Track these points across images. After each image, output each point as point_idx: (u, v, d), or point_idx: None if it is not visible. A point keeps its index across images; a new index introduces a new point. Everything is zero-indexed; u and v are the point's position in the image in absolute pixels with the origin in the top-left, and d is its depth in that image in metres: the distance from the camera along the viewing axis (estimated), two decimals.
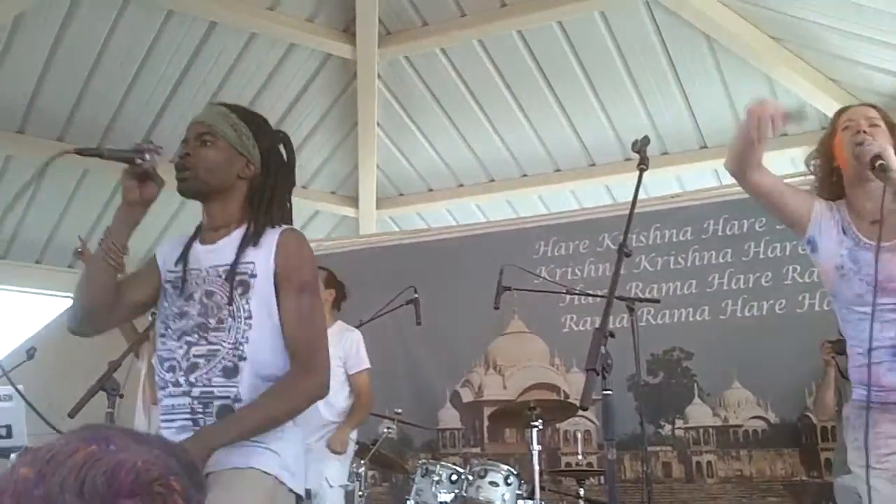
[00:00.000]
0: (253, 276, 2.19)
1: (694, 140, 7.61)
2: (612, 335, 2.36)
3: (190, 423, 2.12)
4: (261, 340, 2.16)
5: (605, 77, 7.22)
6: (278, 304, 2.19)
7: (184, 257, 2.28)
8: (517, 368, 6.38)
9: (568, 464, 5.97)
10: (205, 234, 2.32)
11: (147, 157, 2.20)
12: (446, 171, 8.51)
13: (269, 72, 7.40)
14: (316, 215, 8.64)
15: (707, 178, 7.66)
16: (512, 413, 5.10)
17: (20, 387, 4.61)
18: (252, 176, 2.31)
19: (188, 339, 2.18)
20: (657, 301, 5.67)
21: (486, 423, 6.30)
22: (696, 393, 5.84)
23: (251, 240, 2.23)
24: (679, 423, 5.85)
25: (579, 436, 5.82)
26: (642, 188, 7.89)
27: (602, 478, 5.59)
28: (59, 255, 8.48)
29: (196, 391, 2.13)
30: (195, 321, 2.18)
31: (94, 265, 2.24)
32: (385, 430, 5.23)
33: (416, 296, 5.37)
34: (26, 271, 8.49)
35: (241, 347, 2.14)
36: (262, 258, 2.21)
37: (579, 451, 5.69)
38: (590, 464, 5.82)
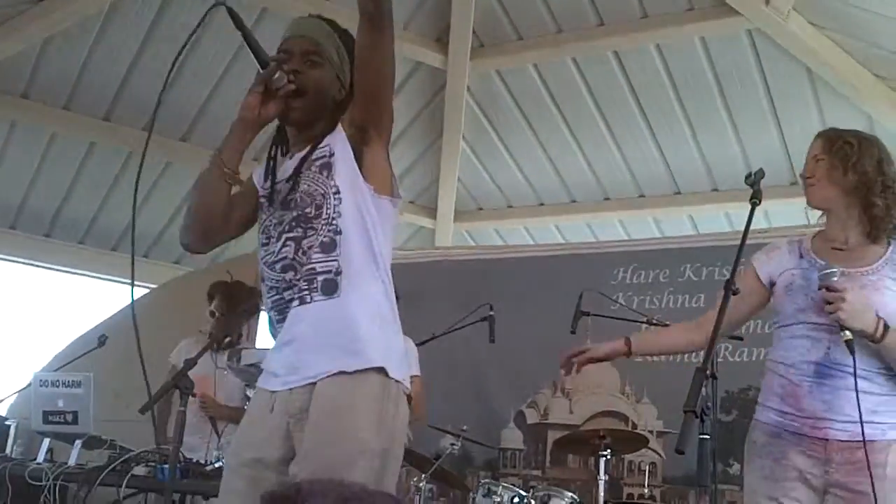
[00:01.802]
0: (331, 154, 2.21)
1: (785, 175, 7.35)
2: (714, 376, 2.22)
3: (297, 302, 2.15)
4: (351, 211, 2.17)
5: (699, 104, 7.05)
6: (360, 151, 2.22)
7: (272, 172, 2.31)
8: (585, 394, 6.23)
9: (630, 495, 5.80)
10: (293, 151, 2.33)
11: (278, 74, 2.18)
12: (528, 189, 8.41)
13: None
14: None
15: (796, 215, 7.37)
16: (579, 439, 5.01)
17: (90, 374, 4.63)
18: (341, 98, 2.31)
19: (290, 235, 2.19)
20: (740, 339, 5.46)
21: (549, 446, 6.16)
22: None
23: (324, 134, 2.25)
24: None
25: (645, 468, 5.66)
26: (727, 222, 7.66)
27: None
28: (135, 245, 8.55)
29: (303, 270, 2.15)
30: (293, 216, 2.20)
31: (207, 177, 2.24)
32: (450, 446, 5.15)
33: (492, 313, 5.29)
34: (101, 258, 8.59)
35: (334, 221, 2.16)
36: (336, 138, 2.23)
37: (645, 483, 5.53)
38: (653, 497, 5.64)
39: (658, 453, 5.79)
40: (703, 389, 2.16)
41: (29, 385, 4.81)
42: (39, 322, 9.23)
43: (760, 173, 2.67)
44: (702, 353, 2.35)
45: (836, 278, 2.54)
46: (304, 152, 2.25)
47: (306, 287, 2.13)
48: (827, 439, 2.52)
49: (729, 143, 7.24)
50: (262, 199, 2.30)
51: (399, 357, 2.19)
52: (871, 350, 2.56)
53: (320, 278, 2.12)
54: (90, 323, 7.48)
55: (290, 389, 2.12)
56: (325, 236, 2.14)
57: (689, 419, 2.10)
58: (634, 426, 5.92)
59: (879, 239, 2.70)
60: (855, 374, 2.46)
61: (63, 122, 7.43)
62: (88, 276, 8.74)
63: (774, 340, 2.77)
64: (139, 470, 3.95)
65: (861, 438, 2.45)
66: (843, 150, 2.71)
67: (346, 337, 2.10)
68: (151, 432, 4.89)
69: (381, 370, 2.10)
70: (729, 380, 5.55)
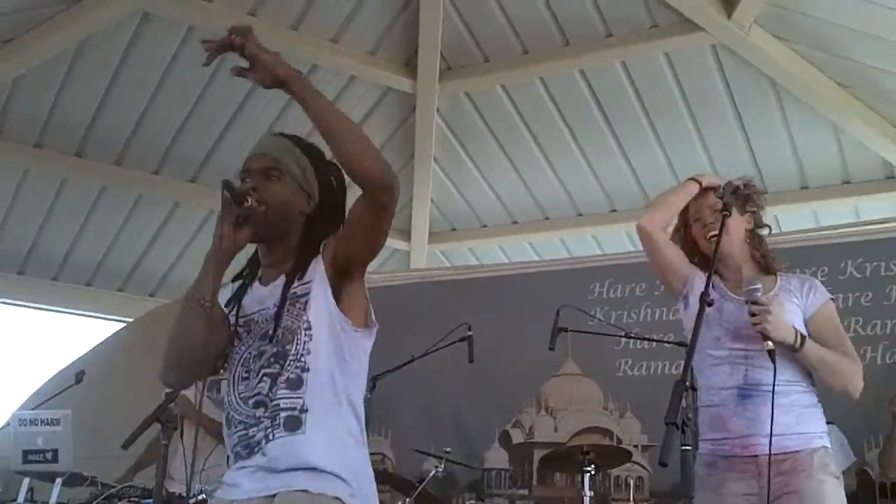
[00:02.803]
0: (308, 290, 2.19)
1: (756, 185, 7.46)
2: (693, 388, 2.26)
3: (263, 439, 2.13)
4: (321, 348, 2.16)
5: (666, 118, 7.14)
6: (338, 276, 2.20)
7: (237, 304, 2.26)
8: (569, 411, 6.22)
9: None
10: (265, 274, 2.29)
11: (250, 200, 2.16)
12: (501, 208, 8.47)
13: None
14: None
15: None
16: (564, 457, 5.00)
17: (67, 411, 4.60)
18: (310, 211, 2.29)
19: (269, 371, 2.16)
20: None
21: (535, 465, 6.14)
22: None
23: (302, 268, 2.22)
24: None
25: (631, 482, 5.67)
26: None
27: None
28: (109, 278, 8.52)
29: (269, 410, 2.13)
30: (273, 351, 2.17)
31: (184, 319, 2.17)
32: (434, 469, 5.14)
33: (470, 333, 5.29)
34: (77, 293, 8.54)
35: (303, 359, 2.14)
36: (316, 272, 2.20)
37: (631, 497, 5.55)
38: None
39: (644, 467, 5.80)
40: (683, 401, 2.20)
41: (7, 425, 4.78)
42: (15, 361, 9.15)
43: (731, 187, 2.75)
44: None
45: (759, 294, 2.68)
46: (281, 283, 2.22)
47: (269, 423, 2.12)
48: (756, 455, 2.61)
49: (697, 156, 7.33)
50: (240, 329, 2.26)
51: (366, 487, 2.18)
52: (790, 365, 2.71)
53: (283, 415, 2.11)
54: (66, 360, 7.44)
55: (249, 499, 2.11)
56: (292, 373, 2.13)
57: (671, 431, 2.14)
58: (619, 441, 5.91)
59: (771, 270, 2.90)
60: (774, 385, 2.57)
61: (35, 159, 7.41)
62: (64, 311, 8.69)
63: (696, 371, 2.87)
64: None
65: (787, 451, 2.60)
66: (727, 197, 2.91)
67: (308, 474, 2.10)
68: (132, 467, 4.88)
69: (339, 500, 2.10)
70: None
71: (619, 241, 8.24)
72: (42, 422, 4.57)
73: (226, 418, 2.22)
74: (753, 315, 2.64)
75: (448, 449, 5.34)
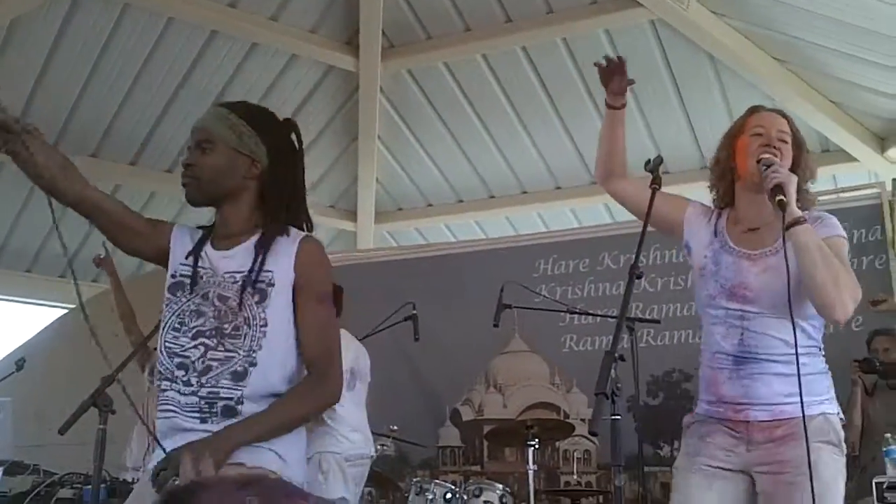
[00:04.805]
0: (271, 284, 2.18)
1: (695, 160, 7.55)
2: (622, 358, 2.26)
3: (198, 420, 2.11)
4: (273, 348, 2.15)
5: None
6: (295, 313, 2.19)
7: (195, 255, 2.24)
8: (518, 387, 6.31)
9: (566, 483, 5.89)
10: (218, 239, 2.27)
11: None
12: (446, 187, 8.47)
13: (270, 82, 7.33)
14: (313, 228, 8.48)
15: (708, 198, 7.58)
16: (510, 432, 5.10)
17: (7, 399, 4.53)
18: (260, 174, 2.25)
19: (205, 341, 2.15)
20: (657, 322, 5.59)
21: (485, 441, 6.21)
22: None
23: (266, 246, 2.20)
24: (678, 444, 5.73)
25: (578, 456, 5.76)
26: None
27: (599, 498, 5.67)
28: (50, 265, 8.37)
29: (204, 391, 2.12)
30: (211, 324, 2.16)
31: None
32: (380, 447, 5.14)
33: (415, 312, 5.32)
34: (16, 280, 8.39)
35: (253, 354, 2.13)
36: (282, 267, 2.19)
37: (575, 470, 5.66)
38: (588, 483, 5.76)
39: (591, 440, 5.89)
40: (613, 372, 2.20)
41: None
42: None
43: (659, 160, 2.68)
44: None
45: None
46: (234, 254, 2.22)
47: (207, 409, 2.10)
48: (748, 421, 2.52)
49: (639, 131, 7.36)
50: (182, 277, 2.23)
51: (299, 468, 2.19)
52: (790, 333, 2.49)
53: (221, 403, 2.10)
54: (6, 348, 7.31)
55: None
56: (239, 366, 2.12)
57: (600, 400, 2.13)
58: (566, 415, 6.01)
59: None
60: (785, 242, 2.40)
61: None
62: (2, 299, 8.53)
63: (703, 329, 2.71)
64: (65, 493, 3.88)
65: (781, 418, 2.48)
66: (795, 134, 2.66)
67: (243, 449, 2.09)
68: (74, 454, 4.82)
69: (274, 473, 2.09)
70: (653, 364, 5.70)
71: (563, 218, 8.31)
72: None
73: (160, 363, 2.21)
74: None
75: (394, 427, 5.36)
